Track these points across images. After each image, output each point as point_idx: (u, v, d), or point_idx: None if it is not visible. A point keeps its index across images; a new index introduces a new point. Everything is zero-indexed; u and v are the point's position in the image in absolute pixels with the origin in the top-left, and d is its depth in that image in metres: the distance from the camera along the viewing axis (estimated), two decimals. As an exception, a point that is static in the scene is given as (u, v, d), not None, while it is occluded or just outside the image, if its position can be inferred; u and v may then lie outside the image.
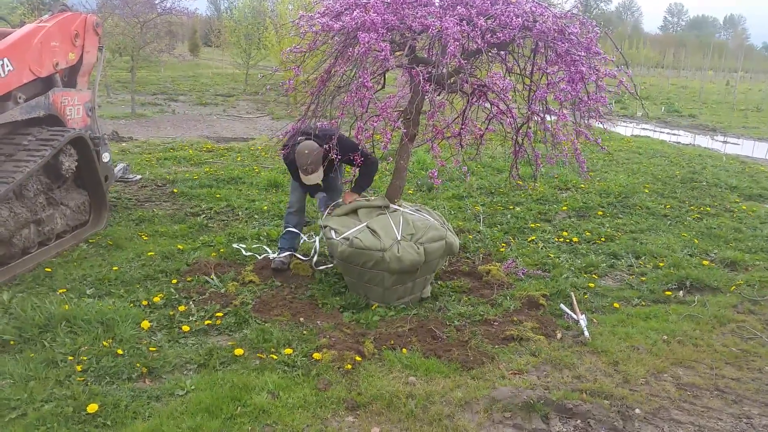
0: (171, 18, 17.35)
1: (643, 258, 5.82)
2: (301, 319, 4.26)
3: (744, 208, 7.82)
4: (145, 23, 14.92)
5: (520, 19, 3.96)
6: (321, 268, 5.06)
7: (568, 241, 6.24)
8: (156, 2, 15.97)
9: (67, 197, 5.51)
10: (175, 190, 7.39)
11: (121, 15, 15.69)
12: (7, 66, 4.82)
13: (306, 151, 4.62)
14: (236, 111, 16.37)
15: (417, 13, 4.04)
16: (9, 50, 4.86)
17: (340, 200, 5.01)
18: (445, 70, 4.04)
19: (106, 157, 6.07)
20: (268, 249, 5.43)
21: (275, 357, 3.68)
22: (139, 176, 7.51)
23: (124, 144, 10.45)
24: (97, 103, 6.39)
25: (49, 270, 4.81)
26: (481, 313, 4.46)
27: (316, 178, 4.75)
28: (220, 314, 4.21)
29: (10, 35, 5.07)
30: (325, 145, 4.54)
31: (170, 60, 21.75)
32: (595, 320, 4.45)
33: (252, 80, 21.47)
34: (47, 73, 5.39)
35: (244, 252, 5.38)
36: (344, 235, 4.49)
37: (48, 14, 5.75)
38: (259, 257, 5.28)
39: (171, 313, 4.20)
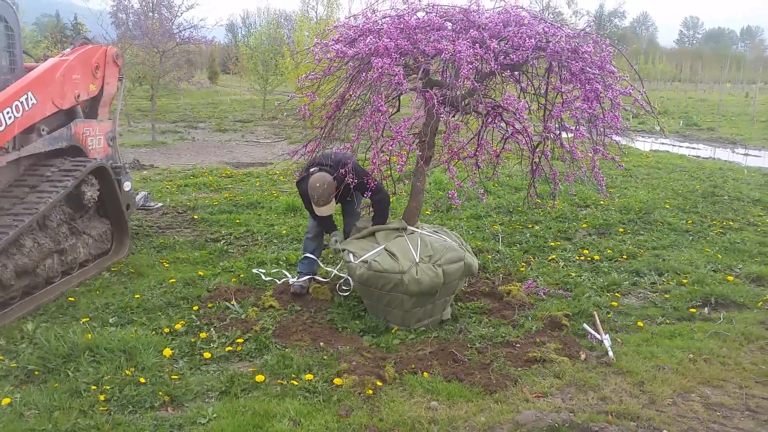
0: (189, 47, 17.69)
1: (666, 275, 5.74)
2: (321, 343, 4.25)
3: (768, 221, 7.70)
4: (164, 53, 15.21)
5: (533, 40, 3.98)
6: (344, 293, 5.06)
7: (589, 259, 6.18)
8: (175, 32, 16.31)
9: (89, 226, 5.60)
10: (195, 217, 7.47)
11: (140, 45, 16.03)
12: (31, 99, 4.94)
13: (317, 184, 4.66)
14: (254, 136, 16.56)
15: (430, 37, 4.08)
16: (33, 84, 4.98)
17: (359, 224, 5.02)
18: (459, 93, 4.05)
19: (127, 185, 6.17)
20: (287, 273, 5.45)
21: (296, 383, 3.68)
22: (160, 204, 7.61)
23: (145, 172, 10.61)
24: (118, 131, 6.52)
25: (72, 299, 4.87)
26: (503, 334, 4.42)
27: (327, 210, 4.79)
28: (240, 340, 4.23)
29: (34, 69, 5.21)
30: (341, 170, 4.58)
31: (189, 88, 22.09)
32: (619, 340, 4.39)
33: (270, 106, 21.73)
34: (69, 105, 5.52)
35: (263, 277, 5.40)
36: (362, 258, 4.49)
37: (70, 48, 5.90)
38: (278, 282, 5.30)
39: (192, 340, 4.22)
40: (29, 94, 4.91)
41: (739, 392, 3.70)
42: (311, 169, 4.79)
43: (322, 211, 4.81)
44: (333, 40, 4.33)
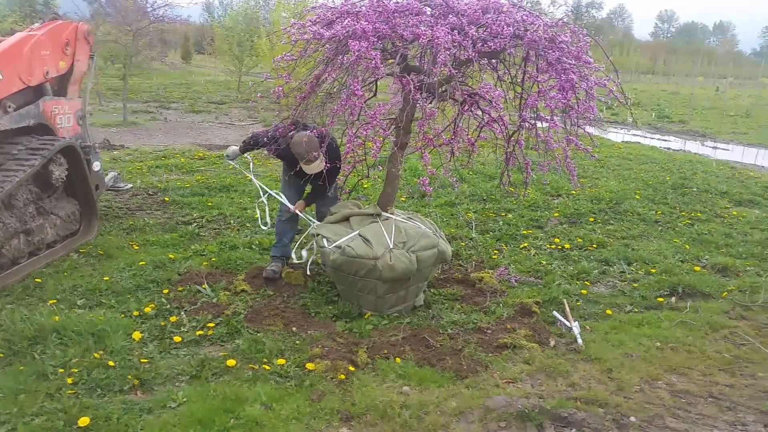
0: (163, 26, 17.32)
1: (635, 264, 5.84)
2: (294, 328, 4.24)
3: (734, 213, 7.86)
4: (137, 31, 14.88)
5: (511, 29, 3.98)
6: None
7: (560, 247, 6.25)
8: (148, 10, 15.96)
9: (57, 207, 5.48)
10: (166, 199, 7.36)
11: (113, 23, 15.65)
12: (-3, 75, 4.79)
13: (304, 140, 4.57)
14: (228, 118, 16.33)
15: (408, 22, 4.06)
16: (-2, 59, 4.83)
17: (334, 209, 4.98)
18: (436, 79, 4.04)
19: (96, 165, 6.04)
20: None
21: (268, 368, 3.66)
22: (130, 185, 7.46)
23: (115, 152, 10.40)
24: (89, 111, 6.37)
25: (39, 280, 4.77)
26: (475, 320, 4.46)
27: (318, 165, 4.68)
28: (212, 324, 4.19)
29: (0, 44, 5.04)
30: (313, 153, 4.54)
31: (162, 68, 21.69)
32: (588, 327, 4.46)
33: (244, 87, 21.44)
34: (37, 81, 5.36)
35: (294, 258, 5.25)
36: (336, 243, 4.48)
37: (39, 23, 5.73)
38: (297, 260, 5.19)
39: (162, 323, 4.18)
40: (-5, 69, 4.77)
41: (703, 380, 3.79)
42: (290, 133, 4.70)
43: (312, 168, 4.68)
44: (310, 21, 4.28)
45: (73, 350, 3.66)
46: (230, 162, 5.47)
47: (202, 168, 9.38)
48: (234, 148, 5.36)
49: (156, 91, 21.84)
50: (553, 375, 3.76)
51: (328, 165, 4.59)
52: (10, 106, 5.05)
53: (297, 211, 5.06)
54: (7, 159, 4.92)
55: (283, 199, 5.12)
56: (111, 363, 3.56)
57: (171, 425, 3.05)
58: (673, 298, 5.09)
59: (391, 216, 4.75)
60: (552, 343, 4.20)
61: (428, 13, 4.21)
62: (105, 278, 4.85)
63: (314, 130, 4.57)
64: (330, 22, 4.23)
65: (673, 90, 38.12)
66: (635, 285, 5.35)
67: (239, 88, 21.80)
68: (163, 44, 20.23)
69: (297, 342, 4.01)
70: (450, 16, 4.06)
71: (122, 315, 4.23)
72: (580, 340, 4.16)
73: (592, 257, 5.99)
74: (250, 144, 5.14)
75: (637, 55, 58.64)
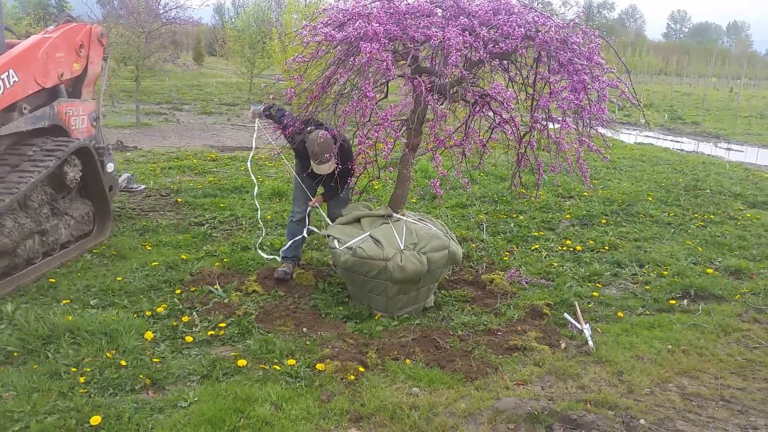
0: (175, 28, 17.45)
1: (647, 266, 5.80)
2: (305, 329, 4.25)
3: (748, 215, 7.80)
4: (149, 33, 15.01)
5: (522, 30, 3.98)
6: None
7: (571, 249, 6.23)
8: (160, 12, 16.09)
9: (71, 207, 5.53)
10: (179, 200, 7.41)
11: (125, 25, 15.80)
12: (13, 77, 4.84)
13: (321, 140, 4.60)
14: (240, 120, 16.42)
15: (419, 23, 4.06)
16: (14, 61, 4.89)
17: (345, 211, 5.00)
18: (447, 80, 4.04)
19: (110, 167, 6.10)
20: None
21: (278, 368, 3.68)
22: (143, 186, 7.53)
23: (128, 153, 10.49)
24: (102, 112, 6.43)
25: (53, 280, 4.82)
26: (485, 322, 4.45)
27: (328, 168, 4.72)
28: (223, 325, 4.21)
29: (16, 46, 5.11)
30: (326, 155, 4.56)
31: (174, 69, 21.84)
32: (599, 330, 4.44)
33: (256, 89, 21.53)
34: (52, 83, 5.42)
35: (265, 256, 5.36)
36: (347, 244, 4.49)
37: (53, 25, 5.79)
38: (278, 259, 5.26)
39: (174, 323, 4.21)
40: (11, 71, 4.82)
41: (714, 383, 3.76)
42: (308, 129, 4.73)
43: (322, 169, 4.73)
44: (322, 23, 4.31)
45: (85, 350, 3.70)
46: (254, 120, 5.27)
47: (215, 169, 9.44)
48: (259, 108, 5.23)
49: (168, 92, 22.00)
50: (563, 377, 3.75)
51: (340, 166, 4.60)
52: (25, 108, 5.12)
53: (316, 205, 5.08)
54: (22, 160, 4.98)
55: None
56: (123, 362, 3.59)
57: (182, 424, 3.07)
58: (686, 301, 5.06)
59: (402, 217, 4.76)
60: (563, 345, 4.19)
61: (439, 14, 4.22)
62: (118, 278, 4.90)
63: (328, 130, 4.59)
64: (341, 23, 4.25)
65: (686, 91, 37.87)
66: (647, 287, 5.32)
67: (251, 89, 21.89)
68: (175, 46, 20.35)
69: (307, 342, 4.03)
70: (461, 17, 4.07)
71: (135, 315, 4.26)
72: (591, 343, 4.15)
73: (603, 259, 5.96)
74: (274, 116, 5.12)
75: (650, 55, 58.22)
